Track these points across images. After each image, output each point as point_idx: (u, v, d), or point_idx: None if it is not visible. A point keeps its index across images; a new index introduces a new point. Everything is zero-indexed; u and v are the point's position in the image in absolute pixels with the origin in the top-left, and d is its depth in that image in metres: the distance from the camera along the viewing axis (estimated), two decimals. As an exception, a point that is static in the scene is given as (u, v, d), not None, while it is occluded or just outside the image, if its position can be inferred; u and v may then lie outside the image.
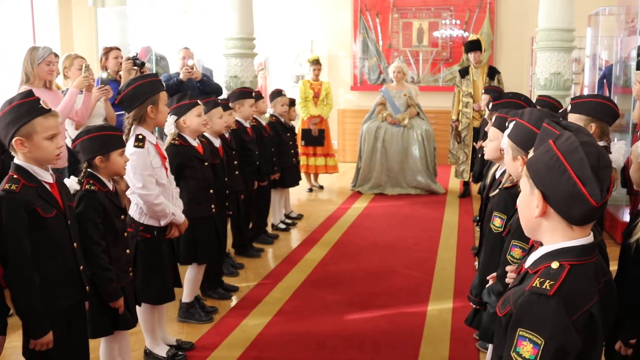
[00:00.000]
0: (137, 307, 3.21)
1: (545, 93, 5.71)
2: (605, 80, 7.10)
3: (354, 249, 5.72)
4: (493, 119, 3.14)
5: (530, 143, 1.60)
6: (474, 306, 3.02)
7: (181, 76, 5.81)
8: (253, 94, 5.67)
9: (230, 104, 5.01)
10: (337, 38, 11.12)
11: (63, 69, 5.10)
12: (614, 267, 2.63)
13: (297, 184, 6.72)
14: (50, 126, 2.47)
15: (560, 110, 3.99)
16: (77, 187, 2.84)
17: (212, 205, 4.11)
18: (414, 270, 5.11)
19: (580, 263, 1.47)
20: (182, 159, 3.90)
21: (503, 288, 2.27)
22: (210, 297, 4.46)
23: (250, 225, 5.73)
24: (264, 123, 6.00)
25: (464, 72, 7.62)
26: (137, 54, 5.81)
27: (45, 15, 8.08)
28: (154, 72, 6.56)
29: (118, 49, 5.72)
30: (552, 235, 1.52)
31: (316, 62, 8.23)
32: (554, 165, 1.45)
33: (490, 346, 2.62)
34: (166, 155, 3.58)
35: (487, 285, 2.58)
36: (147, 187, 3.33)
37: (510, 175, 2.80)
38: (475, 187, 7.52)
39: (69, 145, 4.88)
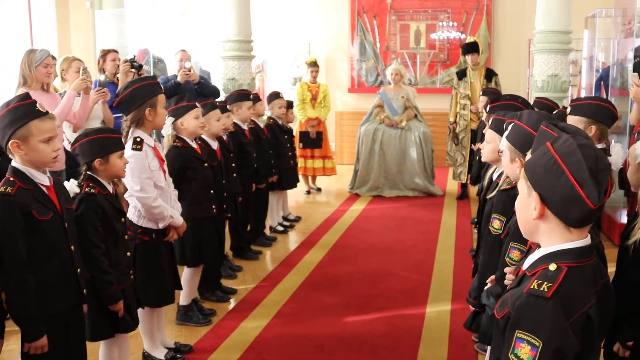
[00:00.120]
0: (138, 309, 3.21)
1: (542, 95, 5.72)
2: (602, 82, 7.11)
3: (352, 251, 5.72)
4: (490, 122, 3.15)
5: (528, 145, 1.60)
6: (473, 309, 3.02)
7: (179, 78, 5.81)
8: (251, 96, 5.67)
9: (228, 106, 5.01)
10: (334, 40, 11.13)
11: (61, 72, 5.10)
12: (612, 268, 2.64)
13: (295, 186, 6.72)
14: (46, 129, 2.47)
15: (554, 112, 4.00)
16: (77, 189, 2.84)
17: (213, 206, 4.13)
18: (412, 273, 5.11)
19: (578, 265, 1.48)
20: (184, 161, 3.92)
21: (502, 290, 2.28)
22: (209, 300, 4.46)
23: (248, 228, 5.73)
24: (261, 125, 6.00)
25: (462, 74, 7.63)
26: (134, 57, 5.81)
27: (42, 17, 8.08)
28: (152, 74, 6.56)
29: (116, 51, 5.72)
30: (549, 237, 1.52)
31: (314, 64, 8.23)
32: (551, 168, 1.46)
33: (488, 348, 2.62)
34: (164, 158, 3.58)
35: (486, 288, 2.58)
36: (145, 189, 3.33)
37: (507, 177, 2.80)
38: (473, 189, 7.53)
39: (67, 147, 4.89)
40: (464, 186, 7.85)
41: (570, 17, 6.15)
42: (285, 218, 6.68)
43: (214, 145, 4.49)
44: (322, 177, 8.49)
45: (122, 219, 3.01)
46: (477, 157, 5.45)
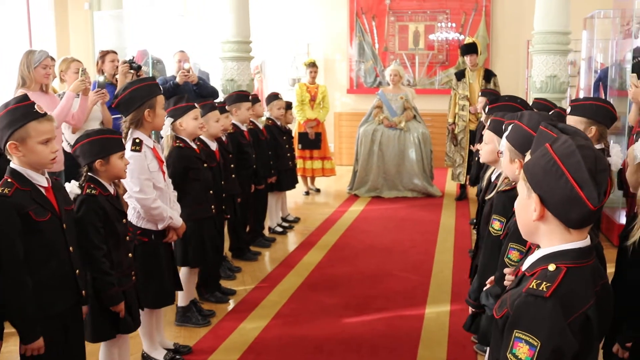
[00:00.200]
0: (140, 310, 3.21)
1: (541, 96, 5.72)
2: (601, 83, 7.12)
3: (351, 252, 5.72)
4: (488, 123, 3.15)
5: (528, 146, 1.61)
6: (472, 310, 3.03)
7: (177, 79, 5.81)
8: (250, 97, 5.67)
9: (226, 107, 5.01)
10: (333, 41, 11.14)
11: (59, 73, 5.10)
12: (611, 269, 2.64)
13: (294, 187, 6.72)
14: (44, 130, 2.47)
15: (551, 112, 4.00)
16: (78, 191, 2.84)
17: (212, 206, 4.15)
18: (411, 273, 5.11)
19: (577, 266, 1.48)
20: (187, 162, 3.94)
21: (501, 291, 2.28)
22: (208, 301, 4.46)
23: (247, 229, 5.73)
24: (260, 126, 6.00)
25: (460, 75, 7.64)
26: (133, 58, 5.81)
27: (41, 18, 8.09)
28: (151, 75, 6.56)
29: (115, 52, 5.72)
30: (549, 238, 1.53)
31: (312, 65, 8.23)
32: (551, 169, 1.46)
33: (488, 349, 2.62)
34: (163, 159, 3.59)
35: (485, 288, 2.58)
36: (145, 191, 3.33)
37: (505, 178, 2.81)
38: (471, 190, 7.54)
39: (66, 149, 4.88)
40: (462, 187, 7.85)
41: (569, 18, 6.15)
42: (284, 219, 6.68)
43: (213, 146, 4.49)
44: (321, 178, 8.49)
45: (124, 220, 3.02)
46: (476, 158, 5.45)
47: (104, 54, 5.64)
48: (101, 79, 5.19)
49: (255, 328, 4.05)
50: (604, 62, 7.47)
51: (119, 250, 2.94)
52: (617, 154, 3.01)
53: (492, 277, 2.55)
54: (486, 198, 3.06)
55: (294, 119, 7.52)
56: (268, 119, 6.41)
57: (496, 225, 2.72)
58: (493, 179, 3.11)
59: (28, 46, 7.39)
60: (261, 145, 5.82)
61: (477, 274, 2.92)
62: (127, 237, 3.03)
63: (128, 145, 3.32)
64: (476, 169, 5.61)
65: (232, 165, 4.88)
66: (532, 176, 1.51)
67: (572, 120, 3.20)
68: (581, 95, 7.96)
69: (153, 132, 3.85)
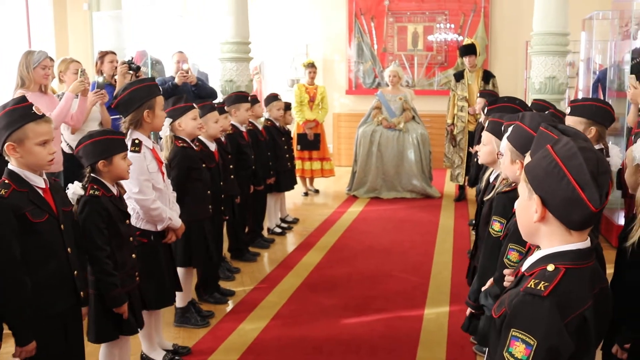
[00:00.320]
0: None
1: (540, 97, 5.73)
2: (599, 84, 7.13)
3: (350, 253, 5.72)
4: (487, 124, 3.15)
5: (529, 147, 1.61)
6: (471, 310, 3.03)
7: (176, 80, 5.81)
8: (249, 98, 5.67)
9: (225, 108, 5.02)
10: (332, 42, 11.14)
11: (58, 73, 5.09)
12: (610, 270, 2.65)
13: (293, 188, 6.72)
14: (42, 132, 2.47)
15: (546, 112, 4.01)
16: (81, 192, 2.85)
17: (209, 207, 4.18)
18: (410, 274, 5.11)
19: (576, 267, 1.48)
20: (190, 162, 3.96)
21: (500, 291, 2.28)
22: (207, 302, 4.46)
23: (246, 230, 5.73)
24: (260, 127, 6.00)
25: (459, 76, 7.65)
26: (132, 58, 5.81)
27: (40, 19, 8.08)
28: (150, 76, 6.56)
29: (113, 53, 5.71)
30: (550, 239, 1.53)
31: (311, 66, 8.24)
32: (552, 171, 1.46)
33: (487, 349, 2.62)
34: (163, 160, 3.59)
35: (484, 289, 2.59)
36: (144, 191, 3.33)
37: (503, 179, 2.81)
38: (470, 191, 7.54)
39: (65, 149, 4.88)
40: (461, 188, 7.86)
41: (568, 19, 6.16)
42: (283, 220, 6.68)
43: (212, 146, 4.49)
44: (320, 178, 8.49)
45: (127, 221, 3.02)
46: (475, 159, 5.46)
47: (102, 55, 5.63)
48: (100, 79, 5.19)
49: (254, 329, 4.05)
50: (602, 64, 7.47)
51: (123, 251, 2.95)
52: (616, 154, 3.02)
53: (492, 279, 2.55)
54: (485, 199, 3.07)
55: (293, 119, 7.52)
56: (267, 119, 6.41)
57: (496, 226, 2.72)
58: (492, 180, 3.11)
59: (27, 47, 7.39)
60: (260, 146, 5.82)
61: (476, 275, 2.92)
62: (131, 238, 3.04)
63: (127, 145, 3.32)
64: (475, 170, 5.61)
65: (231, 166, 4.88)
66: (533, 177, 1.52)
67: (571, 121, 3.20)
68: (580, 97, 7.96)
69: (152, 132, 3.85)
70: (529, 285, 1.46)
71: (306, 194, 8.25)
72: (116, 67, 5.47)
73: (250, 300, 4.56)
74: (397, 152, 7.94)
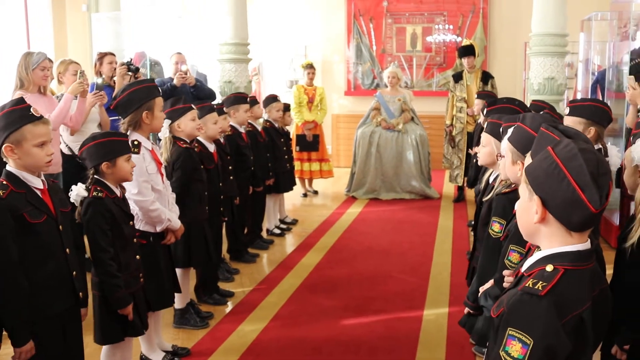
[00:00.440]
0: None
1: (539, 98, 5.74)
2: (598, 85, 7.14)
3: (349, 254, 5.72)
4: (486, 125, 3.16)
5: (530, 148, 1.61)
6: (469, 311, 3.03)
7: (175, 81, 5.81)
8: (248, 99, 5.67)
9: (225, 109, 5.02)
10: (330, 43, 11.15)
11: (57, 75, 5.09)
12: (609, 270, 2.65)
13: (292, 189, 6.72)
14: (40, 134, 2.48)
15: (541, 112, 4.01)
16: (85, 193, 2.85)
17: (206, 207, 4.19)
18: (410, 275, 5.11)
19: (576, 268, 1.48)
20: (193, 163, 3.96)
21: (500, 292, 2.28)
22: (206, 303, 4.45)
23: (245, 231, 5.73)
24: (259, 128, 6.00)
25: (458, 77, 7.66)
26: (131, 60, 5.81)
27: (39, 20, 8.08)
28: (149, 77, 6.56)
29: (112, 54, 5.71)
30: (550, 240, 1.53)
31: (310, 67, 8.24)
32: (553, 172, 1.46)
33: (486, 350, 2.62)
34: (162, 161, 3.59)
35: (484, 289, 2.59)
36: (143, 193, 3.33)
37: (502, 180, 2.81)
38: (469, 192, 7.54)
39: (64, 150, 4.88)
40: (460, 189, 7.86)
41: (566, 20, 6.17)
42: (282, 221, 6.68)
43: (211, 147, 4.49)
44: (319, 179, 8.49)
45: (130, 222, 3.02)
46: (474, 160, 5.46)
47: (101, 56, 5.63)
48: (99, 81, 5.19)
49: (253, 330, 4.04)
50: (601, 64, 7.48)
51: (127, 252, 2.95)
52: (615, 155, 3.03)
53: (492, 280, 2.56)
54: (483, 200, 3.07)
55: (292, 121, 7.53)
56: (266, 121, 6.41)
57: (496, 227, 2.73)
58: (491, 180, 3.12)
59: (26, 48, 7.39)
60: (259, 147, 5.82)
61: (476, 276, 2.92)
62: (135, 239, 3.04)
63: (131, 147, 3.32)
64: (474, 171, 5.61)
65: (230, 167, 4.88)
66: (534, 179, 1.52)
67: (570, 121, 3.21)
68: (578, 97, 7.97)
69: (151, 134, 3.86)
70: (527, 285, 1.47)
71: (305, 195, 8.25)
72: (115, 69, 5.46)
73: (249, 301, 4.56)
74: (396, 153, 7.94)
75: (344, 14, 11.02)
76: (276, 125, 6.41)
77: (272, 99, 6.48)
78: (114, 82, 5.44)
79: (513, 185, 2.63)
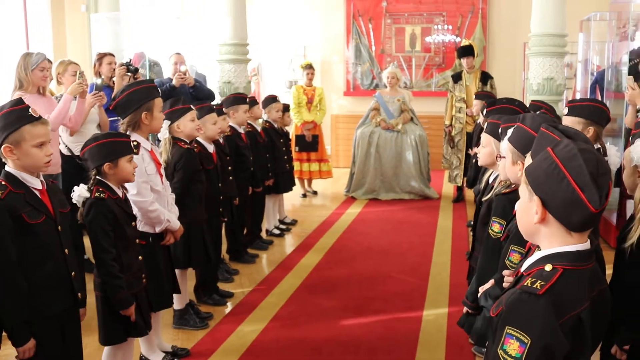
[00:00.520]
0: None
1: (538, 98, 5.74)
2: (597, 85, 7.14)
3: (349, 254, 5.72)
4: (486, 125, 3.16)
5: (530, 148, 1.61)
6: (469, 311, 3.03)
7: (174, 82, 5.81)
8: (247, 99, 5.67)
9: (224, 110, 5.01)
10: (330, 43, 11.15)
11: (56, 75, 5.08)
12: (609, 270, 2.65)
13: (291, 189, 6.72)
14: (38, 134, 2.48)
15: (537, 112, 4.02)
16: (87, 194, 2.85)
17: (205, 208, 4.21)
18: (409, 276, 5.11)
19: (575, 268, 1.48)
20: (195, 164, 3.98)
21: (500, 292, 2.28)
22: (205, 303, 4.45)
23: (245, 231, 5.73)
24: (258, 129, 6.00)
25: (457, 78, 7.66)
26: (130, 60, 5.80)
27: (38, 20, 8.07)
28: (148, 78, 6.55)
29: (112, 55, 5.71)
30: (549, 240, 1.54)
31: (309, 67, 8.24)
32: (552, 172, 1.47)
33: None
34: (161, 162, 3.58)
35: (484, 290, 2.59)
36: (142, 193, 3.33)
37: (501, 181, 2.81)
38: (468, 192, 7.54)
39: (64, 151, 4.88)
40: (459, 189, 7.87)
41: (565, 21, 6.17)
42: (281, 221, 6.68)
43: (210, 148, 4.49)
44: (318, 180, 8.49)
45: (133, 223, 3.02)
46: (474, 161, 5.46)
47: (101, 57, 5.63)
48: (98, 81, 5.19)
49: (253, 330, 4.04)
50: (600, 65, 7.48)
51: (129, 253, 2.95)
52: (614, 154, 3.04)
53: (492, 280, 2.56)
54: (483, 200, 3.07)
55: (292, 121, 7.53)
56: (265, 121, 6.41)
57: (496, 227, 2.73)
58: (491, 181, 3.12)
59: (25, 48, 7.38)
60: (259, 147, 5.82)
61: (475, 276, 2.93)
62: (137, 240, 3.04)
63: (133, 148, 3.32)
64: (473, 171, 5.61)
65: (229, 168, 4.88)
66: (533, 179, 1.52)
67: (569, 121, 3.22)
68: (578, 98, 7.97)
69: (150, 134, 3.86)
70: (525, 284, 1.47)
71: (304, 196, 8.25)
72: (114, 69, 5.46)
73: (249, 301, 4.56)
74: (396, 153, 7.94)
75: (343, 14, 11.02)
76: (275, 125, 6.41)
77: (272, 99, 6.48)
78: (113, 83, 5.44)
79: (513, 186, 2.63)
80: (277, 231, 6.40)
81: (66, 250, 2.59)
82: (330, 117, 10.57)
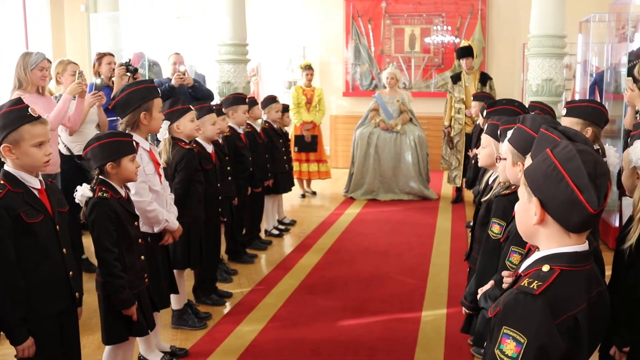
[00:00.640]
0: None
1: (537, 99, 5.74)
2: (596, 86, 7.14)
3: (348, 255, 5.72)
4: (486, 126, 3.16)
5: (531, 149, 1.62)
6: (467, 312, 3.03)
7: (173, 82, 5.80)
8: (247, 100, 5.67)
9: (223, 110, 5.01)
10: (329, 44, 11.15)
11: (55, 75, 5.07)
12: (608, 272, 2.65)
13: (290, 189, 6.72)
14: (37, 134, 2.48)
15: (532, 113, 4.02)
16: (90, 194, 2.85)
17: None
18: (408, 276, 5.11)
19: (572, 269, 1.49)
20: (195, 164, 3.98)
21: (501, 293, 2.28)
22: (204, 304, 4.45)
23: (244, 231, 5.73)
24: (258, 129, 6.00)
25: (456, 78, 7.66)
26: (130, 60, 5.80)
27: (37, 20, 8.07)
28: (147, 78, 6.55)
29: (111, 54, 5.70)
30: (548, 241, 1.54)
31: (308, 68, 8.24)
32: (551, 174, 1.47)
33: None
34: (160, 162, 3.58)
35: (484, 291, 2.59)
36: (140, 193, 3.32)
37: (500, 182, 2.81)
38: (467, 193, 7.55)
39: (63, 151, 4.87)
40: (458, 190, 7.87)
41: (565, 22, 6.18)
42: (280, 222, 6.68)
43: (209, 148, 4.49)
44: (317, 180, 8.49)
45: (135, 223, 3.02)
46: (473, 161, 5.46)
47: (100, 57, 5.62)
48: (98, 81, 5.18)
49: (251, 331, 4.04)
50: (599, 66, 7.49)
51: (132, 252, 2.95)
52: (613, 155, 3.05)
53: (492, 281, 2.56)
54: (482, 200, 3.07)
55: (291, 121, 7.53)
56: (265, 121, 6.41)
57: (495, 228, 2.73)
58: (490, 181, 3.12)
59: (24, 48, 7.38)
60: (258, 148, 5.82)
61: (474, 277, 2.92)
62: (140, 240, 3.04)
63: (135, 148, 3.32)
64: (472, 172, 5.62)
65: (228, 168, 4.88)
66: (532, 181, 1.53)
67: (567, 122, 3.22)
68: (577, 99, 7.97)
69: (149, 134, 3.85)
70: (522, 284, 1.48)
71: (303, 196, 8.25)
72: (114, 69, 5.46)
73: (247, 302, 4.56)
74: (395, 154, 7.94)
75: (343, 15, 11.02)
76: (275, 126, 6.41)
77: (271, 99, 6.48)
78: (113, 83, 5.44)
79: (513, 187, 2.63)
80: (276, 231, 6.40)
81: (64, 250, 2.59)
82: (330, 118, 10.58)
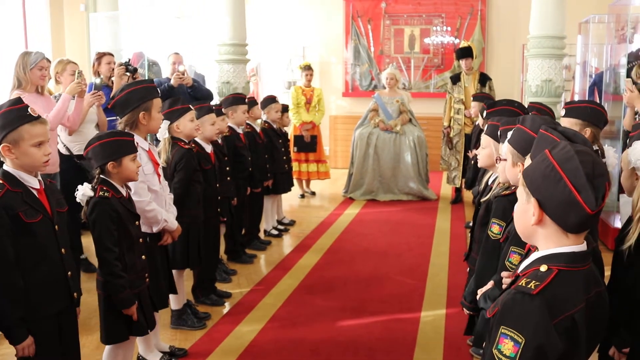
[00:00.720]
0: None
1: (536, 100, 5.75)
2: (595, 87, 7.15)
3: (347, 255, 5.72)
4: (486, 127, 3.16)
5: (530, 150, 1.62)
6: (467, 312, 3.03)
7: (172, 82, 5.80)
8: (246, 100, 5.67)
9: (223, 110, 5.01)
10: (328, 44, 11.15)
11: (55, 74, 5.08)
12: (607, 272, 2.65)
13: (289, 190, 6.72)
14: (37, 133, 2.48)
15: (529, 114, 4.02)
16: (91, 193, 2.85)
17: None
18: (407, 277, 5.12)
19: (570, 269, 1.49)
20: (195, 164, 3.99)
21: (500, 294, 2.29)
22: (203, 304, 4.45)
23: (243, 231, 5.72)
24: (257, 129, 6.00)
25: (456, 79, 7.66)
26: (129, 60, 5.79)
27: (37, 20, 8.07)
28: (147, 78, 6.55)
29: (111, 54, 5.70)
30: (546, 241, 1.54)
31: (308, 68, 8.24)
32: (549, 174, 1.47)
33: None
34: (159, 162, 3.58)
35: (483, 291, 2.59)
36: (139, 193, 3.32)
37: (500, 183, 2.81)
38: (467, 193, 7.55)
39: (62, 151, 4.87)
40: (458, 190, 7.87)
41: (564, 23, 6.19)
42: (279, 222, 6.68)
43: (208, 148, 4.49)
44: (316, 181, 8.49)
45: (136, 222, 3.02)
46: (473, 162, 5.47)
47: (100, 56, 5.62)
48: (97, 81, 5.18)
49: (251, 331, 4.04)
50: (598, 67, 7.50)
51: (133, 252, 2.95)
52: (612, 155, 3.06)
53: (492, 282, 2.56)
54: (481, 201, 3.07)
55: (290, 121, 7.53)
56: (264, 122, 6.41)
57: (495, 228, 2.73)
58: (490, 182, 3.12)
59: (24, 47, 7.38)
60: (258, 148, 5.82)
61: (473, 277, 2.92)
62: (141, 239, 3.04)
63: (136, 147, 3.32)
64: (472, 172, 5.62)
65: (227, 168, 4.88)
66: (531, 181, 1.53)
67: (567, 122, 3.23)
68: (576, 99, 7.97)
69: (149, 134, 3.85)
70: (520, 284, 1.48)
71: (303, 196, 8.25)
72: (113, 69, 5.46)
73: (247, 302, 4.56)
74: (394, 154, 7.95)
75: (342, 15, 11.03)
76: (274, 126, 6.40)
77: (271, 100, 6.48)
78: (112, 83, 5.44)
79: (513, 187, 2.63)
80: (275, 232, 6.40)
81: (63, 250, 2.59)
82: (329, 118, 10.57)
